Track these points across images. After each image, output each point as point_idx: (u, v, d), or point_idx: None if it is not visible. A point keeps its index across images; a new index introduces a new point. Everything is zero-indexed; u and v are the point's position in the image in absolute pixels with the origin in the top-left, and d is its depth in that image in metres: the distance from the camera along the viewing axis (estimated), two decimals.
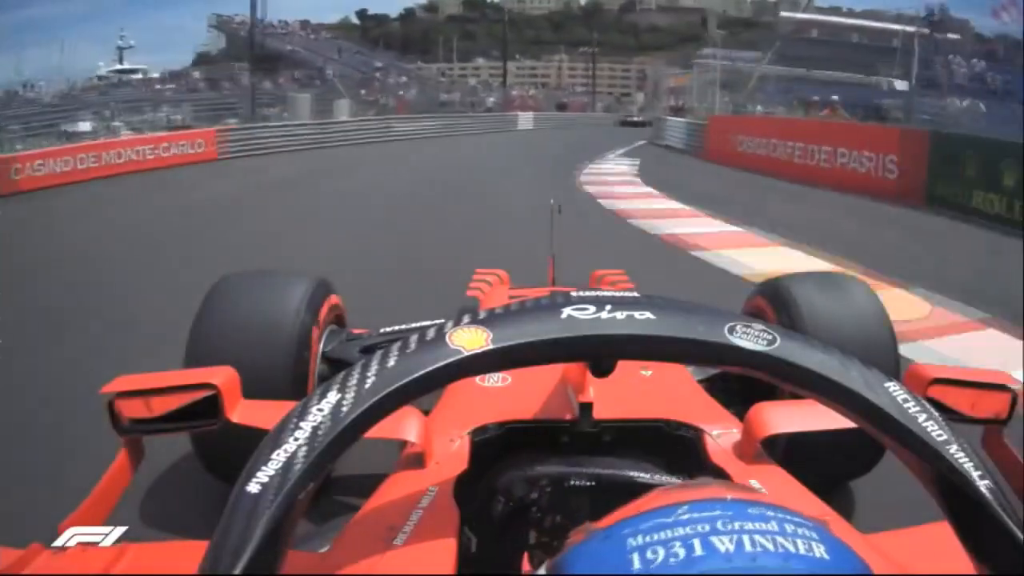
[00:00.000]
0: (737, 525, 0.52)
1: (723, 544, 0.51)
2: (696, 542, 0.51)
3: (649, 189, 13.46)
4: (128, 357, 3.93)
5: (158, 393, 1.41)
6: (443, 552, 1.02)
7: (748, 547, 0.51)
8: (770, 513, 0.54)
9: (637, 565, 0.51)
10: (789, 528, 0.53)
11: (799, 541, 0.52)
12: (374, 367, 0.82)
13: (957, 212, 10.55)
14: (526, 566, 0.90)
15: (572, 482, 1.11)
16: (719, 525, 0.53)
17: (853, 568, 0.53)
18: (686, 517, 0.54)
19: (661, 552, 0.51)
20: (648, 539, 0.53)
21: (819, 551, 0.51)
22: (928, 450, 0.81)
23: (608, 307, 0.89)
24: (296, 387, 2.32)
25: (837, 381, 0.85)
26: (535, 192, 10.75)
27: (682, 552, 0.51)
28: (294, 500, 0.73)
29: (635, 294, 0.96)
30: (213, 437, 1.62)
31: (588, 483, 1.10)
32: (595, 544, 0.56)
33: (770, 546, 0.51)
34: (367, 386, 0.81)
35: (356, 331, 2.89)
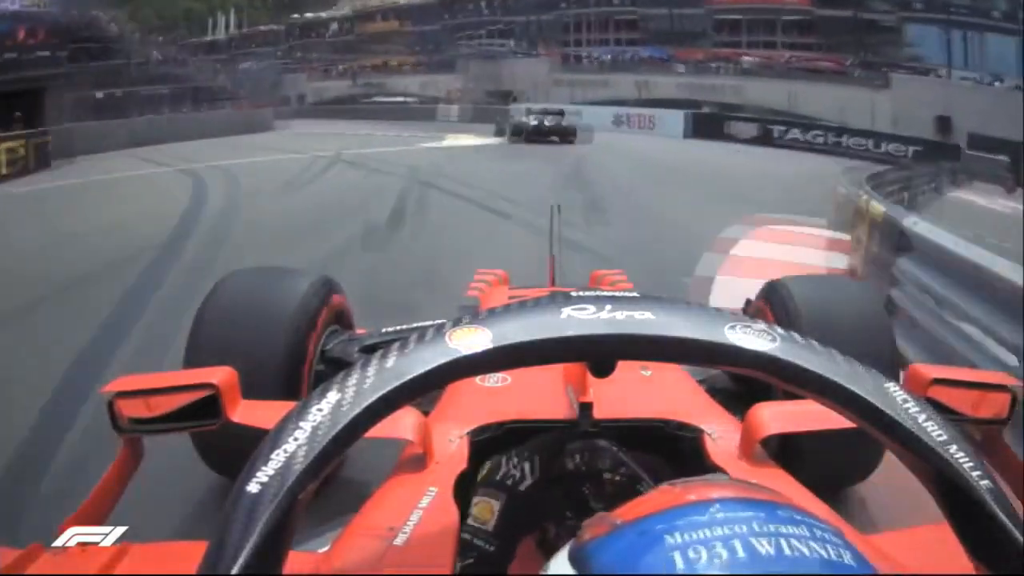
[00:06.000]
0: (772, 528, 0.53)
1: (763, 547, 0.52)
2: (737, 544, 0.52)
3: None
4: None
5: (158, 393, 1.41)
6: (443, 552, 1.02)
7: (787, 551, 0.51)
8: (797, 517, 0.55)
9: (680, 565, 0.52)
10: (817, 533, 0.54)
11: (828, 547, 0.53)
12: (374, 367, 0.82)
13: None
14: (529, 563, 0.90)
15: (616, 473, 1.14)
16: (755, 527, 0.53)
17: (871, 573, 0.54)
18: (721, 516, 0.55)
19: (704, 553, 0.52)
20: (687, 538, 0.53)
21: (846, 557, 0.52)
22: (928, 450, 0.81)
23: (608, 307, 0.89)
24: (295, 387, 2.32)
25: (836, 381, 0.85)
26: None
27: (724, 553, 0.52)
28: (294, 500, 0.73)
29: (635, 294, 0.96)
30: (214, 437, 1.62)
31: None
32: (630, 538, 0.56)
33: (805, 551, 0.52)
34: (367, 386, 0.81)
35: (356, 331, 2.89)
